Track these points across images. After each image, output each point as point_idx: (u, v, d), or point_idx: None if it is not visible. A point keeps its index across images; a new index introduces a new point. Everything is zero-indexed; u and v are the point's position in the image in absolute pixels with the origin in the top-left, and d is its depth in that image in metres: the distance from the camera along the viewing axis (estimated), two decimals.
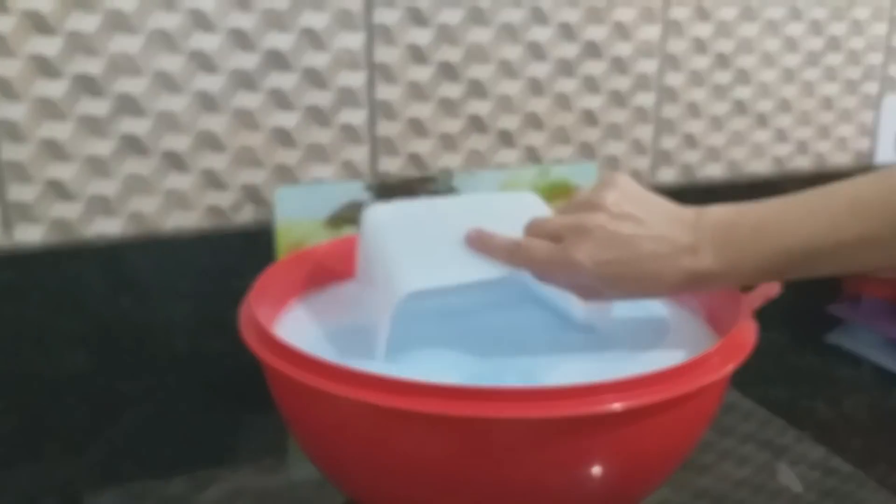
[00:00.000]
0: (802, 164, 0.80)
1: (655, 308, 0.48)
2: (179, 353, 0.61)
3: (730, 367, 0.35)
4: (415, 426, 0.33)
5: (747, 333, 0.38)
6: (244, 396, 0.61)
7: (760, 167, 0.78)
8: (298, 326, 0.46)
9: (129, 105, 0.58)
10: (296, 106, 0.62)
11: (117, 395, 0.60)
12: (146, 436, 0.58)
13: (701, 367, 0.35)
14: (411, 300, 0.40)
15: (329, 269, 0.51)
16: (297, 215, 0.61)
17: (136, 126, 0.58)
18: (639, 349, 0.43)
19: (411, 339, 0.42)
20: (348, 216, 0.63)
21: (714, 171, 0.76)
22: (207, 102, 0.59)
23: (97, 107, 0.57)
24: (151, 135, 0.59)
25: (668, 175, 0.74)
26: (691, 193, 0.73)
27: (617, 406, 0.32)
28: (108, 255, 0.58)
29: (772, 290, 0.44)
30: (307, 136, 0.63)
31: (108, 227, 0.60)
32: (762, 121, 0.77)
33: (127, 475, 0.53)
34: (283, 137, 0.62)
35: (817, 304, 0.77)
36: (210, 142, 0.60)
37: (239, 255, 0.61)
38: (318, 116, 0.63)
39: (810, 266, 0.38)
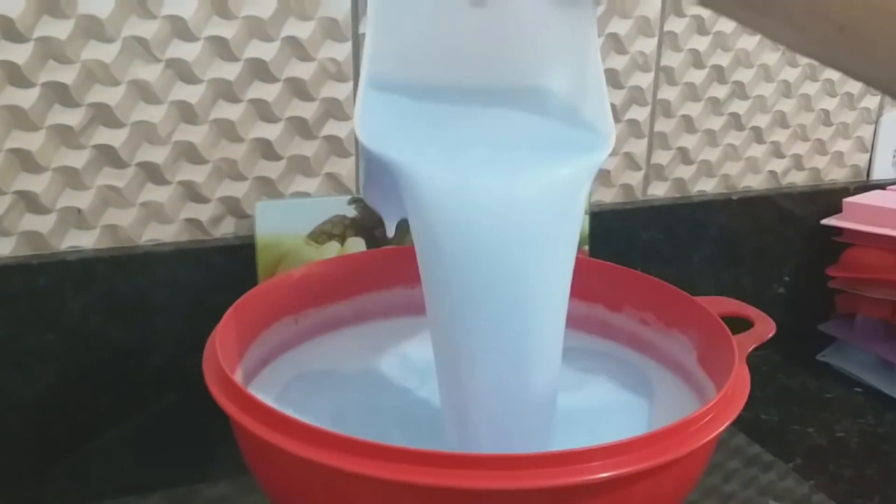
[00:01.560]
0: (797, 179, 0.78)
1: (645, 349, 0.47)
2: (156, 370, 0.59)
3: (724, 426, 0.34)
4: (387, 494, 0.31)
5: (741, 386, 0.37)
6: (222, 414, 0.59)
7: (754, 182, 0.77)
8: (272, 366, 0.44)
9: (104, 115, 0.55)
10: (279, 117, 0.60)
11: (92, 412, 0.58)
12: (122, 454, 0.56)
13: (693, 426, 0.33)
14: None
15: (308, 295, 0.49)
16: (279, 230, 0.59)
17: (112, 137, 0.56)
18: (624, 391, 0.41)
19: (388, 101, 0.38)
20: (332, 231, 0.61)
21: (707, 186, 0.75)
22: (187, 113, 0.57)
23: (70, 116, 0.55)
24: (128, 146, 0.57)
25: (660, 189, 0.73)
26: (683, 209, 0.72)
27: (604, 475, 0.30)
28: (82, 268, 0.56)
29: (767, 330, 0.42)
30: (290, 149, 0.61)
31: (82, 241, 0.58)
32: (758, 135, 0.75)
33: (102, 493, 0.52)
34: (266, 149, 0.60)
35: (809, 321, 0.76)
36: (189, 153, 0.58)
37: (219, 270, 0.59)
38: (302, 128, 0.61)
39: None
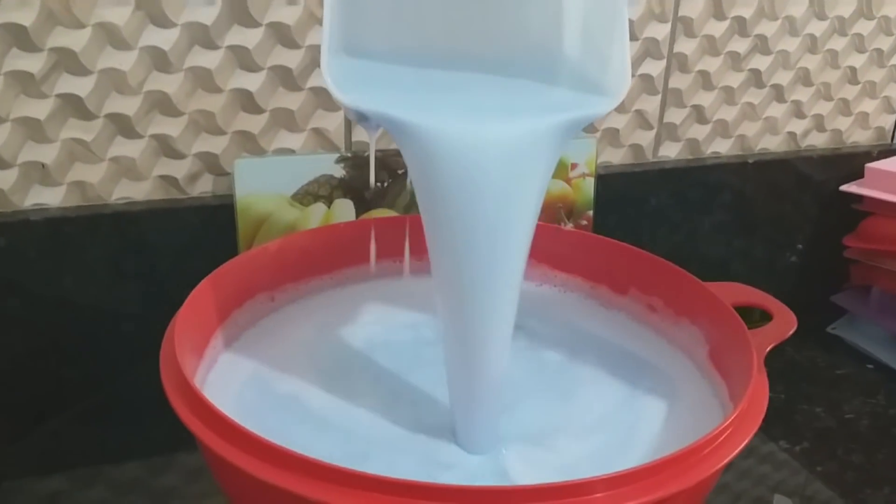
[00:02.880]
0: (817, 141, 0.73)
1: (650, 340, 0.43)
2: (129, 337, 0.56)
3: (740, 448, 0.30)
4: None
5: (759, 398, 0.33)
6: None
7: (772, 144, 0.72)
8: (241, 361, 0.40)
9: (68, 61, 0.50)
10: (261, 66, 0.55)
11: (62, 381, 0.55)
12: (96, 423, 0.54)
13: (704, 450, 0.30)
14: None
15: (286, 270, 0.45)
16: (260, 189, 0.55)
17: (77, 85, 0.51)
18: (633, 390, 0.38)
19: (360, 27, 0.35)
20: (318, 191, 0.56)
21: (722, 148, 0.70)
22: (159, 60, 0.52)
23: (30, 62, 0.50)
24: (95, 95, 0.52)
25: (671, 150, 0.68)
26: (696, 172, 0.67)
27: None
28: (48, 229, 0.52)
29: (788, 326, 0.38)
30: (273, 101, 0.56)
31: (48, 198, 0.53)
32: (779, 93, 0.70)
33: (75, 461, 0.50)
34: (246, 101, 0.55)
35: (821, 292, 0.73)
36: (162, 105, 0.53)
37: (195, 232, 0.55)
38: (286, 79, 0.56)
39: None
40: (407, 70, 0.35)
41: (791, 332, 0.39)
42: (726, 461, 0.30)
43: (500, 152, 0.32)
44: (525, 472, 0.35)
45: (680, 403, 0.39)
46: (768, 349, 0.38)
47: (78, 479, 0.49)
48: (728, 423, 0.31)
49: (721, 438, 0.30)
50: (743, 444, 0.31)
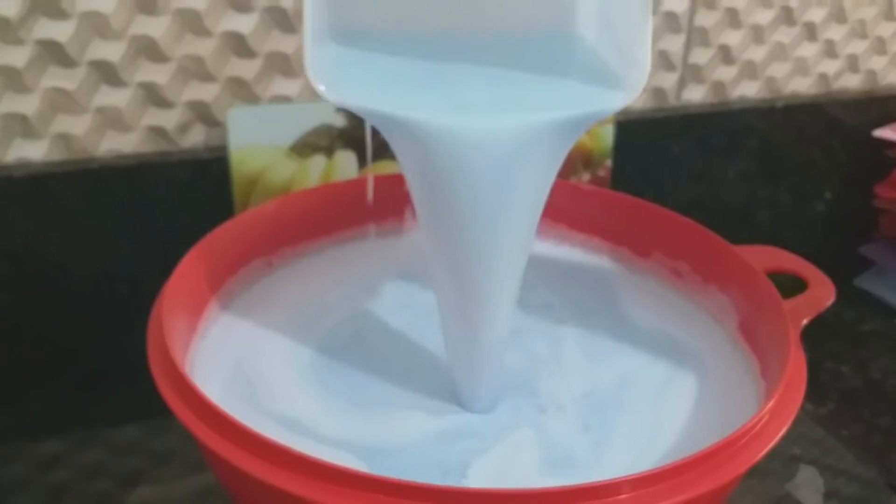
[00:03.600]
0: (850, 83, 0.69)
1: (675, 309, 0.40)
2: (123, 297, 0.53)
3: (776, 439, 0.27)
4: None
5: (797, 381, 0.30)
6: None
7: (802, 86, 0.67)
8: (237, 327, 0.37)
9: (45, 3, 0.47)
10: (253, 6, 0.51)
11: (53, 344, 0.53)
12: (92, 385, 0.52)
13: (737, 443, 0.27)
14: None
15: (284, 233, 0.42)
16: (256, 141, 0.52)
17: (57, 30, 0.47)
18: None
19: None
20: (317, 143, 0.53)
21: (749, 91, 0.66)
22: (144, 2, 0.49)
23: (5, 5, 0.46)
24: (76, 41, 0.48)
25: (696, 94, 0.64)
26: (721, 117, 0.63)
27: None
28: (31, 184, 0.49)
29: (825, 296, 0.35)
30: (268, 44, 0.52)
31: (30, 152, 0.50)
32: (811, 32, 0.65)
33: (71, 424, 0.48)
34: (238, 45, 0.51)
35: (849, 243, 0.69)
36: (148, 50, 0.50)
37: (187, 186, 0.52)
38: (280, 20, 0.51)
39: None
40: (401, 58, 0.32)
41: (829, 304, 0.36)
42: (761, 455, 0.27)
43: (503, 152, 0.29)
44: (533, 438, 0.33)
45: (709, 378, 0.36)
46: (804, 323, 0.35)
47: (76, 441, 0.48)
48: (764, 412, 0.28)
49: (756, 429, 0.28)
50: (780, 435, 0.28)
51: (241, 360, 0.36)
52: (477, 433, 0.33)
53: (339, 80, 0.29)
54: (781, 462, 0.48)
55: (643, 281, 0.43)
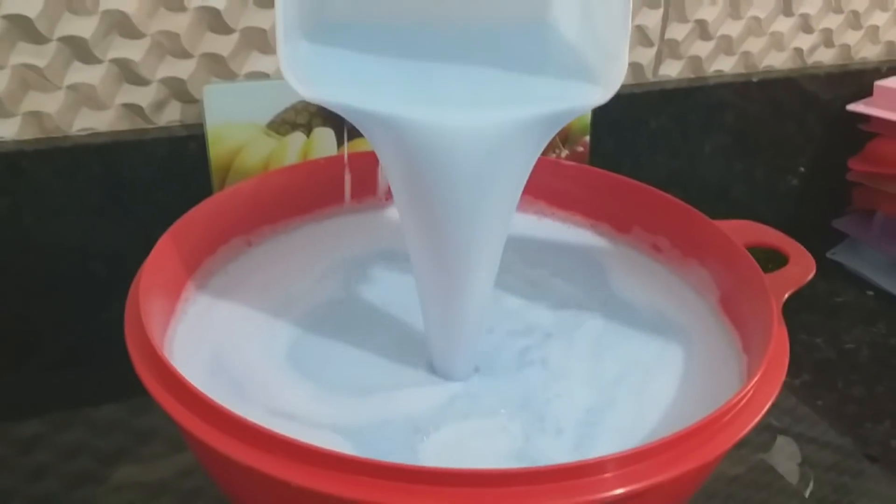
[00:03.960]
0: (825, 57, 0.69)
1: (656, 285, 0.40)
2: (98, 277, 0.52)
3: (761, 413, 0.28)
4: None
5: (780, 356, 0.31)
6: None
7: (777, 61, 0.68)
8: (223, 315, 0.37)
9: None
10: None
11: (30, 323, 0.52)
12: (70, 365, 0.52)
13: (722, 419, 0.27)
14: None
15: (263, 212, 0.41)
16: (233, 118, 0.51)
17: (25, 5, 0.46)
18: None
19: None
20: (295, 119, 0.52)
21: (725, 66, 0.66)
22: None
23: None
24: (46, 16, 0.47)
25: (673, 69, 0.64)
26: (698, 92, 0.64)
27: (619, 491, 0.25)
28: (4, 163, 0.48)
29: (806, 271, 0.36)
30: (244, 19, 0.51)
31: (2, 131, 0.49)
32: (786, 6, 0.66)
33: (50, 405, 0.48)
34: (214, 20, 0.51)
35: (822, 217, 0.70)
36: (121, 26, 0.49)
37: (165, 164, 0.51)
38: None
39: None
40: (377, 53, 0.31)
41: (810, 277, 0.36)
42: (747, 430, 0.28)
43: (481, 147, 0.29)
44: (516, 405, 0.33)
45: (695, 351, 0.36)
46: (786, 296, 0.35)
47: (55, 422, 0.47)
48: (748, 388, 0.28)
49: (740, 405, 0.28)
50: (764, 410, 0.28)
51: (221, 340, 0.36)
52: (458, 400, 0.33)
53: (315, 75, 0.29)
54: (757, 432, 0.49)
55: (625, 255, 0.43)
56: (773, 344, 0.30)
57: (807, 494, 0.44)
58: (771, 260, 0.39)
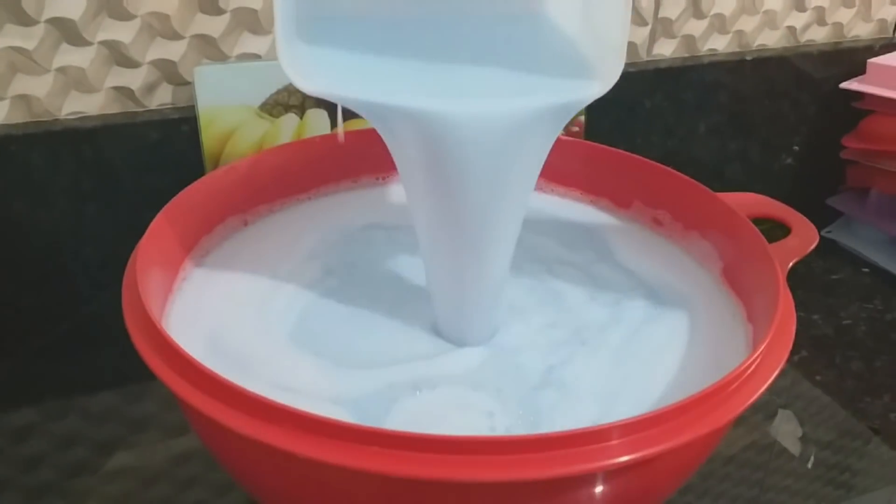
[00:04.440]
0: (818, 35, 0.69)
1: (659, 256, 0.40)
2: (90, 262, 0.52)
3: (770, 380, 0.28)
4: (353, 484, 0.25)
5: (787, 322, 0.30)
6: None
7: (771, 40, 0.68)
8: (220, 289, 0.36)
9: None
10: None
11: (20, 311, 0.51)
12: (63, 352, 0.51)
13: (731, 385, 0.27)
14: None
15: (259, 190, 0.41)
16: (225, 100, 0.50)
17: None
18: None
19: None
20: (288, 101, 0.52)
21: (719, 45, 0.66)
22: None
23: None
24: None
25: (666, 48, 0.64)
26: (692, 71, 0.63)
27: (625, 458, 0.24)
28: None
29: (809, 240, 0.36)
30: (234, 0, 0.50)
31: None
32: None
33: (44, 393, 0.47)
34: (204, 1, 0.50)
35: (817, 195, 0.70)
36: (111, 7, 0.48)
37: (157, 148, 0.51)
38: None
39: None
40: (376, 47, 0.31)
41: (813, 247, 0.36)
42: (755, 397, 0.27)
43: (480, 137, 0.29)
44: (531, 368, 0.33)
45: (699, 321, 0.36)
46: (791, 265, 0.35)
47: (49, 410, 0.47)
48: (757, 353, 0.28)
49: (749, 371, 0.28)
50: (774, 376, 0.28)
51: (219, 317, 0.35)
52: (462, 363, 0.33)
53: (316, 70, 0.29)
54: (757, 407, 0.49)
55: (626, 229, 0.43)
56: (781, 310, 0.30)
57: (809, 466, 0.44)
58: (771, 232, 0.39)
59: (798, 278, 0.62)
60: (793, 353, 0.53)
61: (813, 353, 0.55)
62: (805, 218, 0.38)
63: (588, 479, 0.25)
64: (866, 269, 0.64)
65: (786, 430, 0.47)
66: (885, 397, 0.51)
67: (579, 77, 0.31)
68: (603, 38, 0.31)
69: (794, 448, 0.45)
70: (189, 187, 0.38)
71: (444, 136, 0.29)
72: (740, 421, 0.47)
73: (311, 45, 0.30)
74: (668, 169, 0.42)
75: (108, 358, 0.50)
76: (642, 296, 0.38)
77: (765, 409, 0.49)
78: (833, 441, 0.47)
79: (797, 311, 0.58)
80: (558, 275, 0.39)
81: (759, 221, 0.38)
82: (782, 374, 0.51)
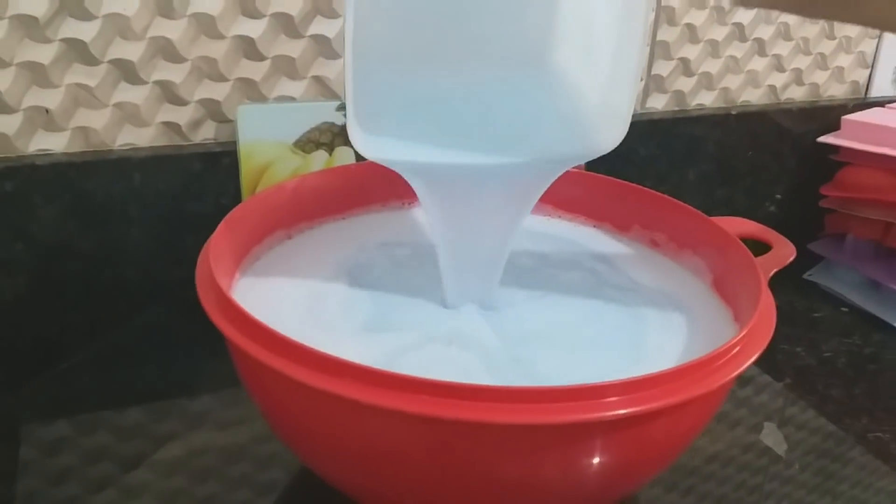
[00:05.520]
0: (796, 94, 0.76)
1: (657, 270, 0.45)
2: (132, 282, 0.56)
3: (751, 360, 0.32)
4: (396, 424, 0.29)
5: (768, 315, 0.35)
6: (200, 327, 0.57)
7: (754, 97, 0.74)
8: (272, 278, 0.41)
9: (72, 5, 0.51)
10: (262, 13, 0.55)
11: (64, 326, 0.55)
12: (98, 368, 0.54)
13: (718, 361, 0.32)
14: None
15: (308, 207, 0.46)
16: (262, 136, 0.56)
17: (82, 30, 0.51)
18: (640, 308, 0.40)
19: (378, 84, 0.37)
20: (319, 139, 0.57)
21: (706, 100, 0.72)
22: (163, 6, 0.53)
23: (35, 6, 0.50)
24: (99, 41, 0.52)
25: (658, 102, 0.70)
26: (682, 123, 0.69)
27: (621, 411, 0.29)
28: (52, 173, 0.53)
29: (788, 254, 0.41)
30: (275, 48, 0.57)
31: (52, 143, 0.53)
32: (760, 47, 0.72)
33: (77, 407, 0.50)
34: (248, 48, 0.56)
35: (798, 240, 0.75)
36: (166, 51, 0.54)
37: (199, 178, 0.56)
38: (287, 26, 0.56)
39: None
40: (420, 118, 0.38)
41: (791, 259, 0.41)
42: (742, 368, 0.32)
43: (496, 186, 0.38)
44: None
45: (694, 323, 0.41)
46: (772, 273, 0.40)
47: (81, 424, 0.49)
48: (743, 334, 0.33)
49: (734, 351, 0.32)
50: (757, 354, 0.33)
51: (266, 300, 0.40)
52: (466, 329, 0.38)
53: (379, 143, 0.36)
54: (746, 414, 0.53)
55: (627, 247, 0.48)
56: (762, 302, 0.34)
57: (795, 468, 0.48)
58: (753, 251, 0.44)
59: (782, 316, 0.66)
60: (778, 379, 0.58)
61: (797, 380, 0.59)
62: (783, 236, 0.43)
63: (588, 428, 0.29)
64: (845, 309, 0.69)
65: (774, 437, 0.51)
66: (864, 419, 0.55)
67: (589, 137, 0.37)
68: (612, 106, 0.37)
69: (779, 455, 0.49)
70: (243, 203, 0.43)
71: (477, 182, 0.35)
72: (731, 426, 0.51)
73: (373, 125, 0.36)
74: (664, 196, 0.47)
75: (137, 375, 0.53)
76: (643, 303, 0.43)
77: (754, 418, 0.53)
78: (818, 445, 0.51)
79: (782, 344, 0.63)
80: (566, 279, 0.44)
81: (742, 241, 0.43)
82: (770, 398, 0.56)
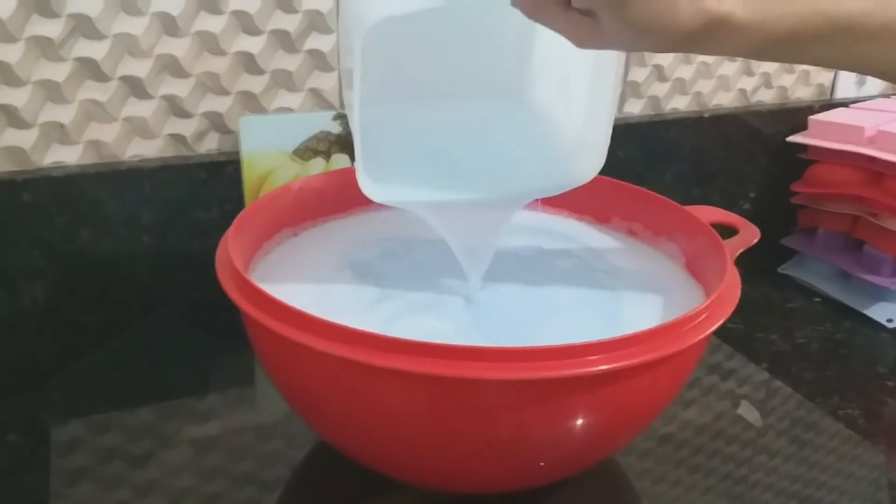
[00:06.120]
0: (765, 97, 0.80)
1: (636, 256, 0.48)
2: (142, 286, 0.59)
3: (718, 324, 0.36)
4: (396, 384, 0.33)
5: (733, 287, 0.39)
6: (208, 329, 0.60)
7: (725, 100, 0.78)
8: (282, 268, 0.45)
9: (84, 26, 0.54)
10: (261, 30, 0.59)
11: (78, 329, 0.58)
12: (109, 369, 0.57)
13: (690, 323, 0.35)
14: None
15: (315, 205, 0.49)
16: (263, 146, 0.59)
17: (93, 49, 0.55)
18: (620, 287, 0.44)
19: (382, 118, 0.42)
20: (317, 147, 0.61)
21: (680, 104, 0.76)
22: (168, 25, 0.56)
23: (50, 27, 0.53)
24: (109, 59, 0.55)
25: (635, 107, 0.74)
26: (658, 126, 0.73)
27: (603, 367, 0.32)
28: (66, 184, 0.56)
29: (752, 236, 0.44)
30: (273, 62, 0.60)
31: (66, 156, 0.57)
32: None
33: (91, 408, 0.52)
34: (249, 63, 0.60)
35: (772, 236, 0.79)
36: (171, 67, 0.57)
37: (203, 186, 0.59)
38: (284, 41, 0.60)
39: (841, 45, 0.32)
40: (418, 161, 0.44)
41: (755, 241, 0.45)
42: (710, 331, 0.35)
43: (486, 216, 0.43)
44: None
45: (670, 300, 0.44)
46: (738, 253, 0.44)
47: (94, 425, 0.51)
48: (710, 301, 0.36)
49: (703, 316, 0.36)
50: (724, 319, 0.36)
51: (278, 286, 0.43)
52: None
53: (385, 187, 0.41)
54: (723, 395, 0.57)
55: (608, 236, 0.52)
56: (728, 275, 0.38)
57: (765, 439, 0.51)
58: (723, 236, 0.48)
59: (759, 308, 0.70)
60: (756, 363, 0.62)
61: (772, 365, 0.62)
62: (748, 221, 0.47)
63: (573, 383, 0.33)
64: (818, 299, 0.73)
65: (749, 409, 0.54)
66: (835, 398, 0.58)
67: (569, 170, 0.43)
68: (590, 141, 0.43)
69: (754, 426, 0.53)
70: (254, 202, 0.46)
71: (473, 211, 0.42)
72: (713, 398, 0.54)
73: (378, 173, 0.41)
74: (640, 188, 0.51)
75: (148, 377, 0.56)
76: (624, 286, 0.46)
77: (733, 397, 0.56)
78: (792, 413, 0.54)
79: (758, 332, 0.67)
80: (556, 265, 0.47)
81: (713, 227, 0.46)
82: (747, 377, 0.59)
